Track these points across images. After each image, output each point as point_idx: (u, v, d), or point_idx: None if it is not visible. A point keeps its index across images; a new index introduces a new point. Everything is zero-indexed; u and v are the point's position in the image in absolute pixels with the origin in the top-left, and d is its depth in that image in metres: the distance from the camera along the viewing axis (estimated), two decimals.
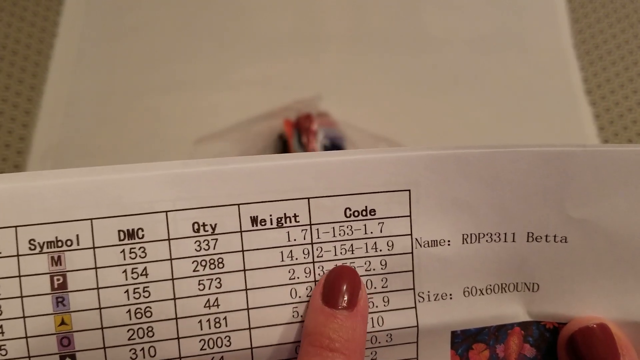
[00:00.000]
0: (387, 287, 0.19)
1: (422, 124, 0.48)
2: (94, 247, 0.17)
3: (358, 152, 0.18)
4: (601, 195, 0.19)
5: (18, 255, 0.17)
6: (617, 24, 0.52)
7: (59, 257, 0.17)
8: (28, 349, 0.17)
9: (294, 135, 0.43)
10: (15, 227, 0.17)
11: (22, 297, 0.17)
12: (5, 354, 0.17)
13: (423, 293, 0.19)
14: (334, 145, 0.43)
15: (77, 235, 0.17)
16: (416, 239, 0.19)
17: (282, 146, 0.44)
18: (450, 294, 0.19)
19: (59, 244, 0.17)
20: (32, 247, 0.17)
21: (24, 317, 0.17)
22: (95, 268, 0.17)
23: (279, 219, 0.18)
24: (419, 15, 0.52)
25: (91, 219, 0.17)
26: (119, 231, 0.17)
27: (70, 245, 0.17)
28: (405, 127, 0.47)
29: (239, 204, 0.18)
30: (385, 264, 0.19)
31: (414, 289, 0.19)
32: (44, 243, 0.17)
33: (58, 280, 0.17)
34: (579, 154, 0.19)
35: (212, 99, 0.48)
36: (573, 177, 0.19)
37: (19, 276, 0.17)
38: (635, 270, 0.19)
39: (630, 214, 0.19)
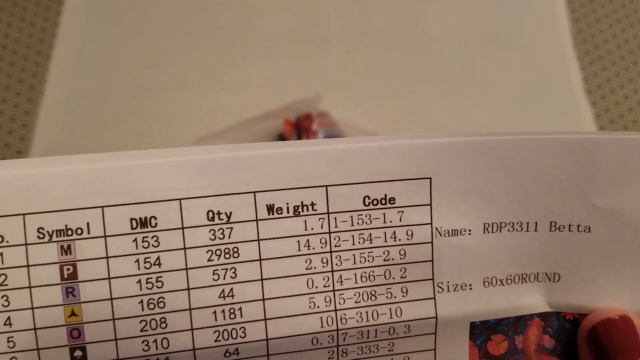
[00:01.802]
0: (405, 277, 0.19)
1: (422, 124, 0.48)
2: (105, 236, 0.17)
3: (377, 139, 0.18)
4: (626, 184, 0.18)
5: (26, 244, 0.16)
6: (617, 24, 0.52)
7: (68, 246, 0.17)
8: (37, 341, 0.17)
9: (294, 135, 0.43)
10: (24, 214, 0.16)
11: (30, 287, 0.16)
12: (14, 346, 0.17)
13: (442, 283, 0.19)
14: None
15: (88, 224, 0.17)
16: (436, 228, 0.19)
17: None
18: (470, 285, 0.19)
19: (69, 232, 0.17)
20: (41, 235, 0.16)
21: (32, 308, 0.17)
22: (107, 257, 0.17)
23: (296, 207, 0.18)
24: (419, 15, 0.52)
25: (102, 207, 0.17)
26: (131, 219, 0.17)
27: (81, 234, 0.17)
28: (405, 127, 0.47)
29: (254, 192, 0.18)
30: (405, 253, 0.19)
31: (433, 279, 0.19)
32: (53, 231, 0.16)
33: (68, 270, 0.17)
34: (605, 141, 0.18)
35: (212, 99, 0.48)
36: (598, 166, 0.18)
37: (27, 266, 0.16)
38: None
39: None
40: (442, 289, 0.19)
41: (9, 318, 0.16)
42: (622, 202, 0.19)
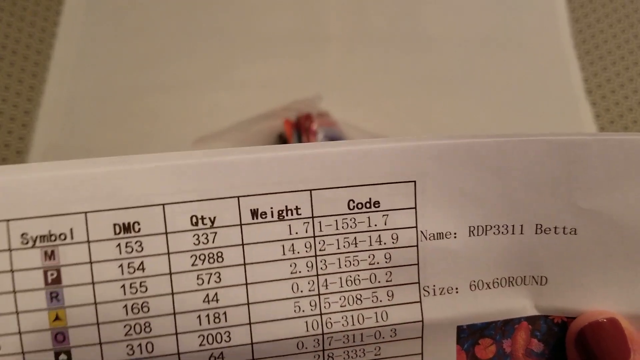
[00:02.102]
0: (391, 280, 0.19)
1: (422, 124, 0.48)
2: (88, 241, 0.17)
3: (361, 143, 0.18)
4: (612, 185, 0.18)
5: (10, 250, 0.16)
6: (617, 24, 0.52)
7: (52, 251, 0.17)
8: (22, 345, 0.17)
9: (294, 135, 0.43)
10: (7, 220, 0.16)
11: (14, 292, 0.17)
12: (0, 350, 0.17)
13: (428, 287, 0.19)
14: None
15: (71, 229, 0.17)
16: (421, 232, 0.18)
17: None
18: (457, 288, 0.19)
19: (52, 237, 0.17)
20: (25, 241, 0.16)
21: (17, 312, 0.17)
22: (90, 262, 0.17)
23: (280, 212, 0.18)
24: (419, 15, 0.52)
25: (86, 212, 0.17)
26: (115, 225, 0.17)
27: (64, 239, 0.17)
28: (405, 127, 0.47)
29: (238, 197, 0.18)
30: (390, 257, 0.19)
31: (419, 282, 0.19)
32: (36, 237, 0.16)
33: (52, 275, 0.17)
34: (590, 143, 0.18)
35: (212, 99, 0.48)
36: (584, 167, 0.18)
37: (12, 271, 0.16)
38: None
39: (636, 206, 0.18)
40: (428, 292, 0.19)
41: None
42: (607, 204, 0.19)
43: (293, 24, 0.52)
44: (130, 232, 0.17)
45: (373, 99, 0.48)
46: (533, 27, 0.52)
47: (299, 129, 0.43)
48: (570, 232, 0.19)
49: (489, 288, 0.19)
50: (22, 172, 0.16)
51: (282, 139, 0.45)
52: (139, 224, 0.17)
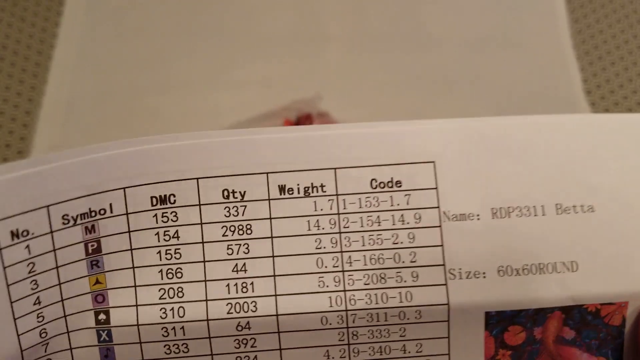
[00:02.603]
0: (415, 261, 0.19)
1: None
2: (127, 213, 0.18)
3: (383, 125, 0.19)
4: (622, 162, 0.19)
5: (52, 232, 0.17)
6: (617, 24, 0.52)
7: (92, 226, 0.18)
8: (64, 309, 0.18)
9: None
10: (47, 206, 0.17)
11: (57, 267, 0.17)
12: (42, 320, 0.18)
13: (454, 270, 0.19)
14: None
15: (111, 205, 0.18)
16: (444, 212, 0.19)
17: None
18: (484, 273, 0.19)
19: (93, 214, 0.17)
20: (66, 222, 0.17)
21: (59, 284, 0.18)
22: (129, 232, 0.18)
23: (306, 189, 0.18)
24: (419, 15, 0.52)
25: (124, 188, 0.18)
26: (152, 197, 0.18)
27: (104, 214, 0.18)
28: None
29: (267, 173, 0.18)
30: (414, 237, 0.19)
31: (444, 265, 0.19)
32: (77, 216, 0.17)
33: (92, 246, 0.18)
34: (600, 120, 0.19)
35: (212, 99, 0.48)
36: (595, 145, 0.19)
37: (54, 250, 0.17)
38: None
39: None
40: (455, 275, 0.19)
41: (38, 297, 0.17)
42: (619, 179, 0.19)
43: (293, 24, 0.52)
44: (167, 204, 0.18)
45: (373, 99, 0.48)
46: (533, 27, 0.52)
47: None
48: (588, 210, 0.19)
49: (519, 275, 0.19)
50: (58, 160, 0.17)
51: None
52: (174, 196, 0.18)
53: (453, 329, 0.19)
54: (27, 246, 0.17)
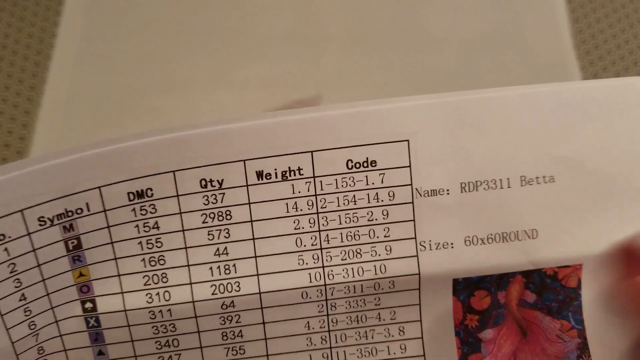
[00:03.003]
0: (389, 236, 0.20)
1: None
2: (104, 210, 0.18)
3: (358, 105, 0.19)
4: (580, 131, 0.19)
5: (29, 234, 0.18)
6: (617, 24, 0.52)
7: (70, 225, 0.18)
8: (50, 302, 0.19)
9: None
10: (21, 210, 0.17)
11: (39, 265, 0.18)
12: (30, 314, 0.18)
13: (424, 242, 0.20)
14: None
15: (87, 204, 0.18)
16: (416, 189, 0.19)
17: None
18: (452, 243, 0.20)
19: (70, 214, 0.18)
20: (42, 223, 0.18)
21: (43, 280, 0.18)
22: (108, 227, 0.19)
23: (284, 173, 0.19)
24: (419, 15, 0.52)
25: (99, 187, 0.18)
26: (129, 193, 0.18)
27: (81, 213, 0.18)
28: None
29: (244, 160, 0.19)
30: (387, 214, 0.20)
31: (415, 238, 0.20)
32: (53, 217, 0.18)
33: (72, 243, 0.18)
34: (556, 92, 0.19)
35: (212, 99, 0.48)
36: (553, 115, 0.19)
37: (34, 250, 0.18)
38: (616, 204, 0.19)
39: (601, 148, 0.19)
40: (425, 247, 0.20)
41: (23, 294, 0.18)
42: (575, 149, 0.19)
43: (293, 24, 0.52)
44: (144, 197, 0.19)
45: (373, 99, 0.48)
46: (533, 27, 0.52)
47: None
48: (549, 181, 0.20)
49: (484, 244, 0.20)
50: (32, 164, 0.17)
51: None
52: (151, 190, 0.19)
53: (424, 296, 0.20)
54: (5, 249, 0.17)
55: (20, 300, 0.18)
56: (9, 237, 0.17)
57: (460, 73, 0.50)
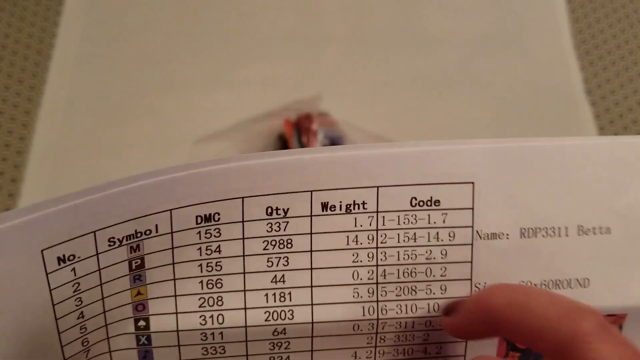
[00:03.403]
0: (445, 275, 0.20)
1: (422, 124, 0.48)
2: (172, 232, 0.18)
3: (425, 144, 0.19)
4: (634, 184, 0.19)
5: (97, 254, 0.18)
6: (617, 24, 0.52)
7: (137, 245, 0.18)
8: (105, 319, 0.19)
9: (294, 135, 0.43)
10: (94, 232, 0.18)
11: (101, 284, 0.18)
12: (85, 331, 0.19)
13: (480, 284, 0.20)
14: (334, 145, 0.43)
15: (157, 225, 0.18)
16: (477, 231, 0.19)
17: (282, 146, 0.44)
18: None
19: (138, 235, 0.18)
20: (112, 244, 0.18)
21: (102, 298, 0.18)
22: (172, 248, 0.19)
23: (348, 206, 0.19)
24: (419, 15, 0.52)
25: (170, 210, 0.18)
26: (197, 216, 0.18)
27: (150, 234, 0.18)
28: (405, 127, 0.47)
29: (311, 191, 0.19)
30: (446, 253, 0.20)
31: (471, 279, 0.20)
32: (123, 237, 0.18)
33: (136, 262, 0.18)
34: (613, 144, 0.19)
35: (212, 99, 0.48)
36: (611, 168, 0.19)
37: (99, 270, 0.18)
38: None
39: None
40: (479, 288, 0.20)
41: (82, 313, 0.18)
42: (634, 203, 0.19)
43: (293, 24, 0.52)
44: (211, 221, 0.19)
45: (373, 99, 0.48)
46: (533, 27, 0.52)
47: (299, 129, 0.43)
48: (605, 232, 0.19)
49: None
50: (105, 189, 0.18)
51: (282, 139, 0.45)
52: (219, 214, 0.19)
53: (471, 340, 0.20)
54: (73, 269, 0.18)
55: (78, 318, 0.18)
56: (79, 257, 0.17)
57: (460, 73, 0.50)
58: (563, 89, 0.49)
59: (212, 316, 0.19)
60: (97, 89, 0.48)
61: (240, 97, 0.48)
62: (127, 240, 0.18)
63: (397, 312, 0.20)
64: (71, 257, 0.17)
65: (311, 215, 0.19)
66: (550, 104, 0.48)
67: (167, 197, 0.18)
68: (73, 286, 0.18)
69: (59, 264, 0.17)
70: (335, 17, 0.52)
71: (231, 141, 0.45)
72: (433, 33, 0.51)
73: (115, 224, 0.18)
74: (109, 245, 0.18)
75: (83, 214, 0.17)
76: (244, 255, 0.19)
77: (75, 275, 0.18)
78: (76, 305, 0.18)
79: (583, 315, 0.16)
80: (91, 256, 0.18)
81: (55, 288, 0.17)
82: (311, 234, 0.19)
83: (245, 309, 0.19)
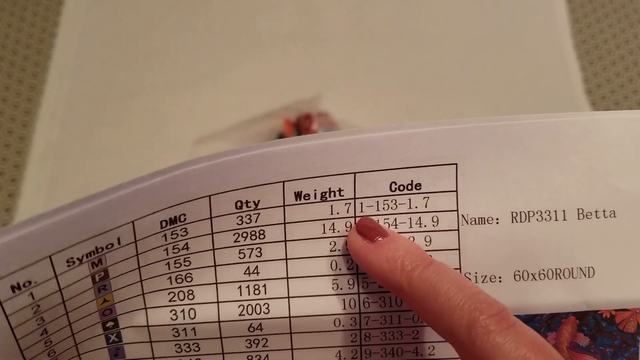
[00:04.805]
0: None
1: None
2: (135, 241, 0.18)
3: (404, 127, 0.18)
4: None
5: (56, 276, 0.17)
6: (617, 24, 0.52)
7: (99, 259, 0.17)
8: (72, 329, 0.18)
9: (294, 135, 0.43)
10: (50, 256, 0.16)
11: (63, 302, 0.17)
12: (50, 344, 0.18)
13: (470, 274, 0.18)
14: None
15: (118, 238, 0.17)
16: (462, 216, 0.18)
17: None
18: (500, 277, 0.18)
19: (99, 250, 0.17)
20: (71, 264, 0.17)
21: (66, 313, 0.17)
22: (137, 255, 0.18)
23: (323, 194, 0.18)
24: (419, 14, 0.52)
25: (133, 221, 0.17)
26: (162, 221, 0.18)
27: (112, 248, 0.17)
28: None
29: (284, 181, 0.18)
30: (430, 240, 0.18)
31: (460, 268, 0.18)
32: (82, 256, 0.17)
33: (100, 275, 0.18)
34: (620, 119, 0.18)
35: (212, 99, 0.48)
36: (617, 145, 0.18)
37: (59, 290, 0.17)
38: None
39: None
40: (470, 279, 0.18)
41: (45, 329, 0.17)
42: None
43: (293, 24, 0.52)
44: (176, 223, 0.18)
45: (373, 99, 0.48)
46: (533, 27, 0.52)
47: (299, 129, 0.43)
48: (610, 216, 0.18)
49: (535, 280, 0.18)
50: (62, 212, 0.16)
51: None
52: (184, 215, 0.18)
53: None
54: (31, 293, 0.17)
55: (41, 334, 0.17)
56: (35, 282, 0.17)
57: (460, 73, 0.50)
58: (563, 89, 0.49)
59: (183, 310, 0.18)
60: (97, 88, 0.48)
61: (240, 97, 0.48)
62: (87, 257, 0.17)
63: (380, 305, 0.19)
64: (27, 284, 0.16)
65: (284, 205, 0.18)
66: (550, 104, 0.48)
67: (129, 211, 0.17)
68: (32, 309, 0.17)
69: (14, 292, 0.16)
70: (335, 17, 0.52)
71: (231, 141, 0.45)
72: (433, 33, 0.51)
73: (73, 245, 0.17)
74: (68, 266, 0.17)
75: (35, 241, 0.16)
76: (213, 249, 0.18)
77: (33, 299, 0.17)
78: (38, 324, 0.17)
79: (484, 306, 0.15)
80: (49, 279, 0.17)
81: (12, 314, 0.16)
82: (284, 223, 0.18)
83: (217, 302, 0.18)
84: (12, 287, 0.16)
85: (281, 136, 0.45)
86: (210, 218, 0.18)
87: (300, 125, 0.43)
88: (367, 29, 0.52)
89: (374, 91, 0.49)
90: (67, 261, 0.17)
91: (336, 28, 0.52)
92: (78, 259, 0.17)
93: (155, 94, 0.48)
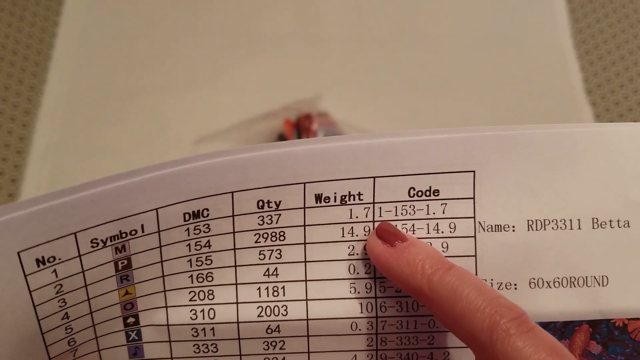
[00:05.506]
0: None
1: (422, 124, 0.48)
2: (159, 231, 0.18)
3: (424, 132, 0.18)
4: None
5: (80, 256, 0.17)
6: (617, 24, 0.52)
7: (122, 246, 0.18)
8: (92, 319, 0.18)
9: (294, 135, 0.43)
10: (75, 233, 0.17)
11: (86, 285, 0.18)
12: (71, 332, 0.18)
13: (486, 281, 0.19)
14: None
15: (142, 225, 0.18)
16: (479, 223, 0.18)
17: None
18: (515, 284, 0.19)
19: (123, 235, 0.18)
20: (95, 245, 0.17)
21: (88, 299, 0.18)
22: (160, 247, 0.18)
23: (343, 197, 0.18)
24: (419, 15, 0.52)
25: (157, 209, 0.18)
26: (185, 214, 0.18)
27: (135, 234, 0.18)
28: (405, 127, 0.47)
29: (304, 183, 0.18)
30: (447, 246, 0.19)
31: (476, 274, 0.19)
32: (106, 239, 0.17)
33: (122, 263, 0.18)
34: (634, 130, 0.18)
35: (212, 99, 0.48)
36: (631, 156, 0.18)
37: (82, 271, 0.17)
38: None
39: None
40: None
41: (66, 313, 0.18)
42: None
43: (293, 24, 0.52)
44: (199, 218, 0.18)
45: (373, 99, 0.48)
46: (533, 27, 0.52)
47: (299, 129, 0.43)
48: (624, 226, 0.18)
49: (550, 287, 0.19)
50: (89, 188, 0.17)
51: (282, 139, 0.45)
52: (207, 210, 0.18)
53: None
54: (54, 270, 0.17)
55: (62, 319, 0.18)
56: (59, 259, 0.17)
57: (460, 73, 0.50)
58: (563, 89, 0.49)
59: (202, 310, 0.19)
60: (96, 88, 0.48)
61: (240, 97, 0.48)
62: (111, 241, 0.17)
63: (397, 310, 0.19)
64: (51, 259, 0.17)
65: (304, 207, 0.18)
66: (550, 104, 0.48)
67: (152, 196, 0.17)
68: (55, 287, 0.17)
69: (38, 266, 0.17)
70: (335, 17, 0.52)
71: (231, 141, 0.45)
72: (433, 33, 0.51)
73: (98, 225, 0.17)
74: (92, 247, 0.17)
75: (61, 215, 0.17)
76: (234, 249, 0.19)
77: (57, 277, 0.17)
78: (60, 307, 0.18)
79: (505, 309, 0.16)
80: (73, 257, 0.17)
81: (35, 290, 0.17)
82: (304, 226, 0.18)
83: (237, 303, 0.19)
84: (37, 261, 0.17)
85: (281, 136, 0.45)
86: (233, 216, 0.18)
87: (300, 125, 0.43)
88: (367, 29, 0.52)
89: (374, 91, 0.49)
90: (92, 241, 0.17)
91: (336, 28, 0.52)
92: (102, 240, 0.17)
93: (155, 94, 0.48)
